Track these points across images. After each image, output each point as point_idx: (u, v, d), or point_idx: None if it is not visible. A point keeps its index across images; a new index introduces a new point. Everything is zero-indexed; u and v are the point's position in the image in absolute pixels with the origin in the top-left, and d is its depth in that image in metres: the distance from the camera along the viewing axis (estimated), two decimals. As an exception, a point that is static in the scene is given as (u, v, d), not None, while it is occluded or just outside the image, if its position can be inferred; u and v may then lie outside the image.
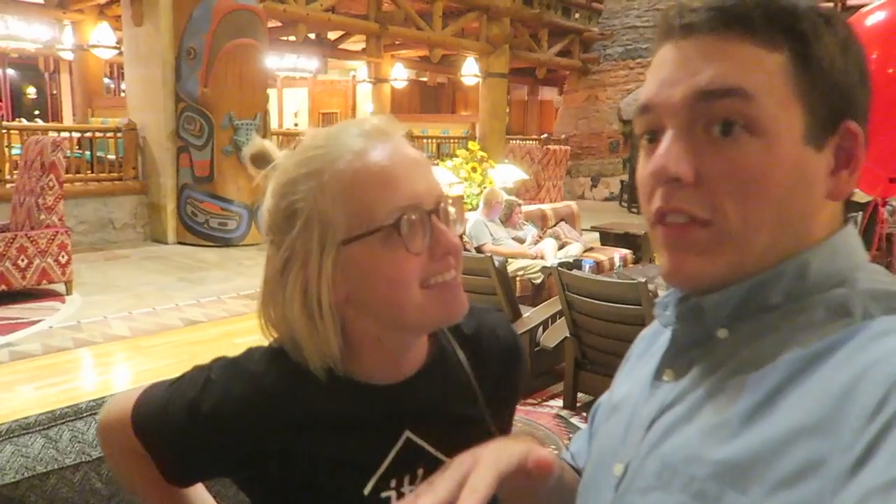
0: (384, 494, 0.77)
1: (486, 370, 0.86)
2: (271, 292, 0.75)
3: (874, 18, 1.28)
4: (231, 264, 7.06)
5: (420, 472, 0.78)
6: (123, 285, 6.05)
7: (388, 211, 0.69)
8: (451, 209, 0.75)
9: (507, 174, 6.78)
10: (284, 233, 0.73)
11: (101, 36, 9.84)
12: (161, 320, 5.14)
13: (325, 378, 0.76)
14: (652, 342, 0.71)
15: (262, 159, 0.78)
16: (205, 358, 0.83)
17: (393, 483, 0.77)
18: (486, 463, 0.54)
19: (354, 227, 0.70)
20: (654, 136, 0.58)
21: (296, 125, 15.89)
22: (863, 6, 1.36)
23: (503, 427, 0.87)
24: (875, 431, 0.43)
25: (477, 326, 0.88)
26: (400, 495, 0.77)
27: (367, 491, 0.76)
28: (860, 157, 0.56)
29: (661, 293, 3.47)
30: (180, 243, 7.89)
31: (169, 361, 4.21)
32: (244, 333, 4.70)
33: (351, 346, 0.77)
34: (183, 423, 0.77)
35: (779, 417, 0.49)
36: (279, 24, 10.14)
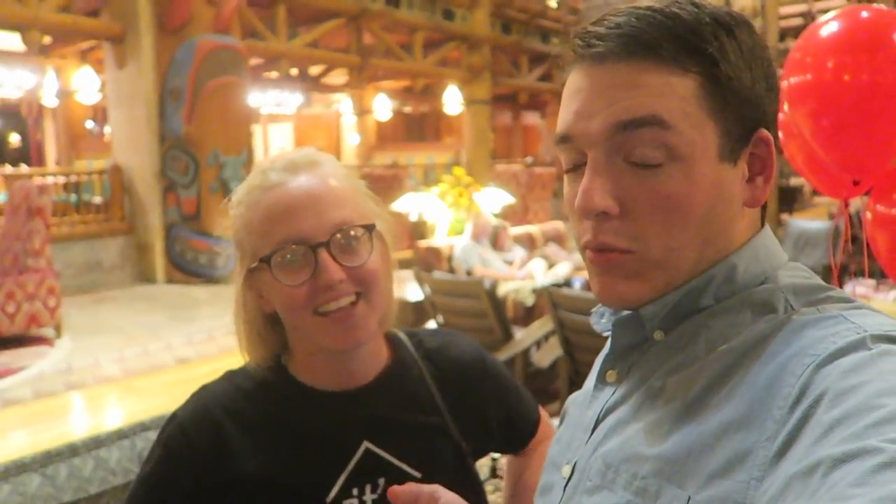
0: (346, 503, 0.81)
1: (448, 382, 0.90)
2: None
3: (828, 29, 1.33)
4: (221, 301, 7.03)
5: (381, 481, 0.82)
6: (113, 327, 6.01)
7: (268, 245, 0.76)
8: (354, 240, 0.78)
9: (493, 198, 6.83)
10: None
11: (84, 80, 9.89)
12: (153, 360, 5.11)
13: (281, 385, 0.83)
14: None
15: None
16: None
17: (355, 492, 0.81)
18: None
19: (254, 257, 0.78)
20: (575, 163, 0.59)
21: (282, 160, 15.92)
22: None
23: (472, 437, 0.90)
24: (796, 420, 0.45)
25: (441, 342, 0.94)
26: (362, 503, 0.80)
27: (329, 500, 0.80)
28: (773, 162, 0.58)
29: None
30: (170, 282, 7.87)
31: (162, 400, 4.18)
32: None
33: (297, 355, 0.84)
34: (157, 469, 0.82)
35: (711, 412, 0.51)
36: (261, 60, 10.25)
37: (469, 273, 5.36)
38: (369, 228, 0.80)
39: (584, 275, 6.05)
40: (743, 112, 0.56)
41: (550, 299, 3.58)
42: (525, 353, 3.83)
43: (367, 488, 0.81)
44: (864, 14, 1.32)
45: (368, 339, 0.81)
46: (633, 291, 0.57)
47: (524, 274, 5.59)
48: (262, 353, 0.84)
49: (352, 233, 0.78)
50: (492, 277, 5.16)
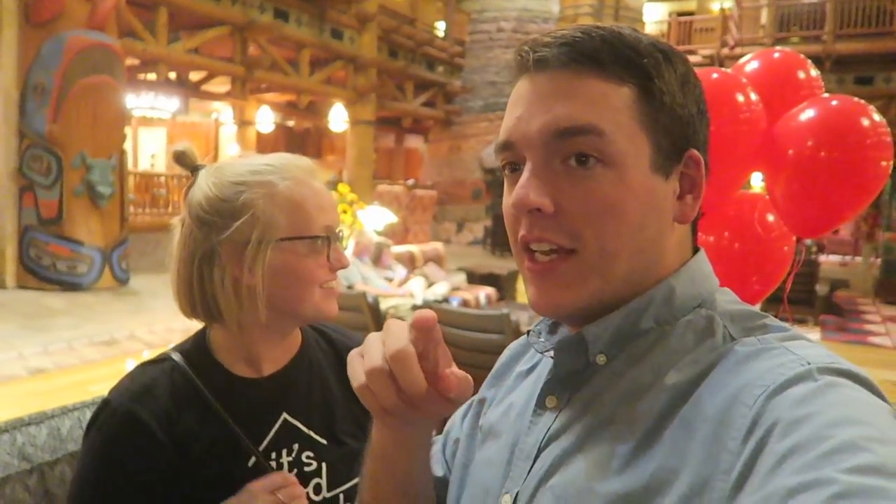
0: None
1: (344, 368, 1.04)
2: (193, 272, 0.91)
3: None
4: (81, 310, 6.60)
5: (295, 447, 0.96)
6: (-46, 335, 5.49)
7: (320, 226, 0.93)
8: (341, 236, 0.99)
9: (377, 217, 6.94)
10: (226, 219, 0.89)
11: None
12: (2, 370, 4.72)
13: (206, 373, 0.94)
14: (517, 358, 0.75)
15: (183, 157, 0.97)
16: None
17: (273, 455, 0.94)
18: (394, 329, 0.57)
19: (293, 230, 0.91)
20: (515, 167, 0.61)
21: (152, 166, 15.19)
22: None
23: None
24: (750, 451, 0.46)
25: (342, 335, 1.10)
26: (279, 466, 0.94)
27: (250, 464, 0.92)
28: (703, 182, 0.61)
29: (522, 326, 3.69)
30: (21, 288, 7.27)
31: (12, 412, 3.88)
32: (99, 381, 4.43)
33: (244, 329, 0.94)
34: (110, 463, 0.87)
35: (664, 446, 0.52)
36: (137, 61, 9.80)
37: (350, 289, 5.41)
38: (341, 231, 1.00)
39: (461, 295, 6.28)
40: (674, 128, 0.59)
41: (430, 314, 3.72)
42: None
43: (284, 452, 0.95)
44: (715, 75, 1.51)
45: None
46: (568, 299, 0.59)
47: (404, 292, 5.73)
48: (204, 316, 0.94)
49: (340, 232, 0.98)
50: (372, 294, 5.24)
